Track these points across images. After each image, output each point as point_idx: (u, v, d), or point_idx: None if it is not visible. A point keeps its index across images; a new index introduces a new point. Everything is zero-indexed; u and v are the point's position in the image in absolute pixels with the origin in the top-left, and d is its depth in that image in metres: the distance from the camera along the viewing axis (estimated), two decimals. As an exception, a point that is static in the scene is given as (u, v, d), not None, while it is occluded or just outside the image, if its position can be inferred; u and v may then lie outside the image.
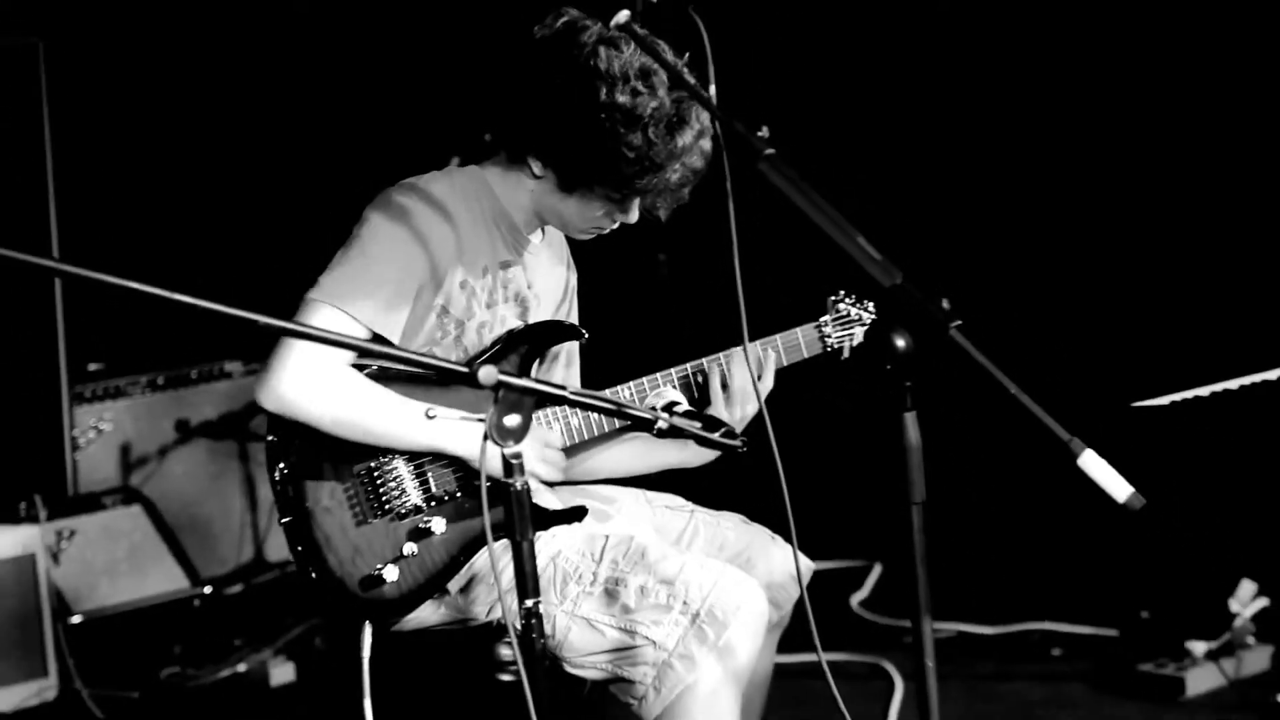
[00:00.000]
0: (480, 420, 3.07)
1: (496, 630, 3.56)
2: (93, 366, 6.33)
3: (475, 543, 3.54)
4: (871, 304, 3.84)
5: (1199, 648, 5.19)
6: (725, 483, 4.19)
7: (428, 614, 3.56)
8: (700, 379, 3.68)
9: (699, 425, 2.66)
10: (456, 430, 3.46)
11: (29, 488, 5.86)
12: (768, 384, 3.70)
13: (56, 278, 4.67)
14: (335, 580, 3.46)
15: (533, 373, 3.69)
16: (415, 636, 3.59)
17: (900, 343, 2.55)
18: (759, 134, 2.68)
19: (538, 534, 3.52)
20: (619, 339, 3.83)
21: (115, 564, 5.95)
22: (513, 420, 2.55)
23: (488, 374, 2.49)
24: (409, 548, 3.48)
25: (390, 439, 3.46)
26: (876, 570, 6.34)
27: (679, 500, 3.89)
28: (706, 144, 3.50)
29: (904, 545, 2.59)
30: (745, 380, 3.64)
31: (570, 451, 3.78)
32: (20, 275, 5.72)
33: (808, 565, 3.73)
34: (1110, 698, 5.19)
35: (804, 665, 4.74)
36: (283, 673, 5.79)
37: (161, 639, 5.93)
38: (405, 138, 6.34)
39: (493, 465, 2.58)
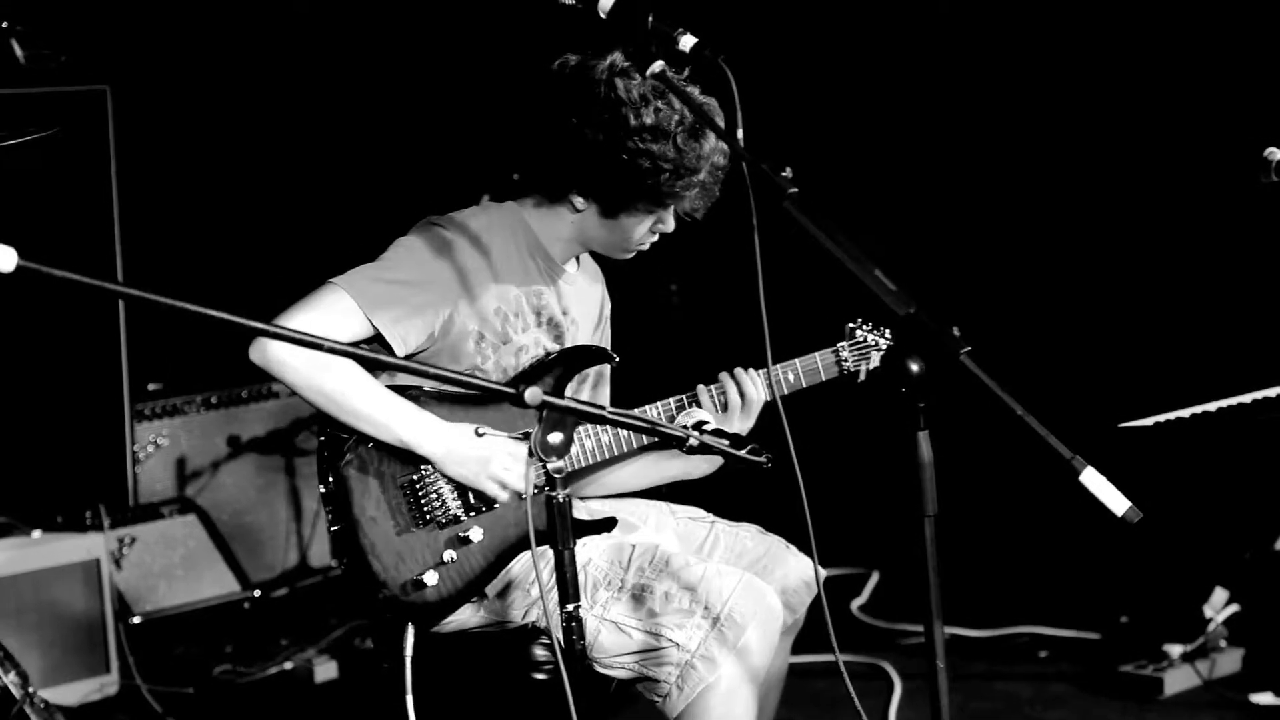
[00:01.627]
0: (518, 438, 3.07)
1: (531, 632, 3.52)
2: (152, 386, 6.29)
3: (511, 550, 3.50)
4: (888, 331, 3.80)
5: (1175, 650, 5.15)
6: (743, 495, 4.16)
7: (467, 616, 3.52)
8: (699, 402, 3.64)
9: (726, 443, 2.63)
10: (432, 434, 3.40)
11: (94, 498, 5.83)
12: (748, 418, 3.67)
13: (120, 299, 4.67)
14: (380, 584, 3.42)
15: (568, 393, 3.67)
16: (455, 637, 3.56)
17: (914, 367, 2.52)
18: (783, 174, 2.65)
19: (569, 543, 3.52)
20: (632, 365, 3.81)
21: (172, 569, 5.92)
22: (556, 438, 2.52)
23: (533, 394, 2.45)
24: (449, 554, 3.44)
25: (368, 422, 3.38)
26: (875, 577, 6.29)
27: (700, 512, 3.85)
28: (725, 145, 3.49)
29: (918, 555, 2.56)
30: (739, 400, 3.61)
31: (595, 469, 3.76)
32: (88, 303, 5.83)
33: (820, 572, 3.70)
34: (1094, 697, 5.15)
35: (813, 665, 4.75)
36: (326, 670, 5.75)
37: (214, 638, 5.91)
38: (443, 177, 6.32)
39: (513, 477, 2.51)
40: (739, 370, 3.63)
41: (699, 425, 3.15)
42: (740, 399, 3.60)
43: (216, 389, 6.35)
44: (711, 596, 3.41)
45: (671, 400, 3.62)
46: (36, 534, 5.60)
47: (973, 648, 5.64)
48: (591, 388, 3.86)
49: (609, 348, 3.81)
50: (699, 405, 3.60)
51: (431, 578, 3.42)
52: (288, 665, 5.79)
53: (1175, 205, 5.80)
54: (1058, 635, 5.65)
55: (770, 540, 3.76)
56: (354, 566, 3.44)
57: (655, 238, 3.64)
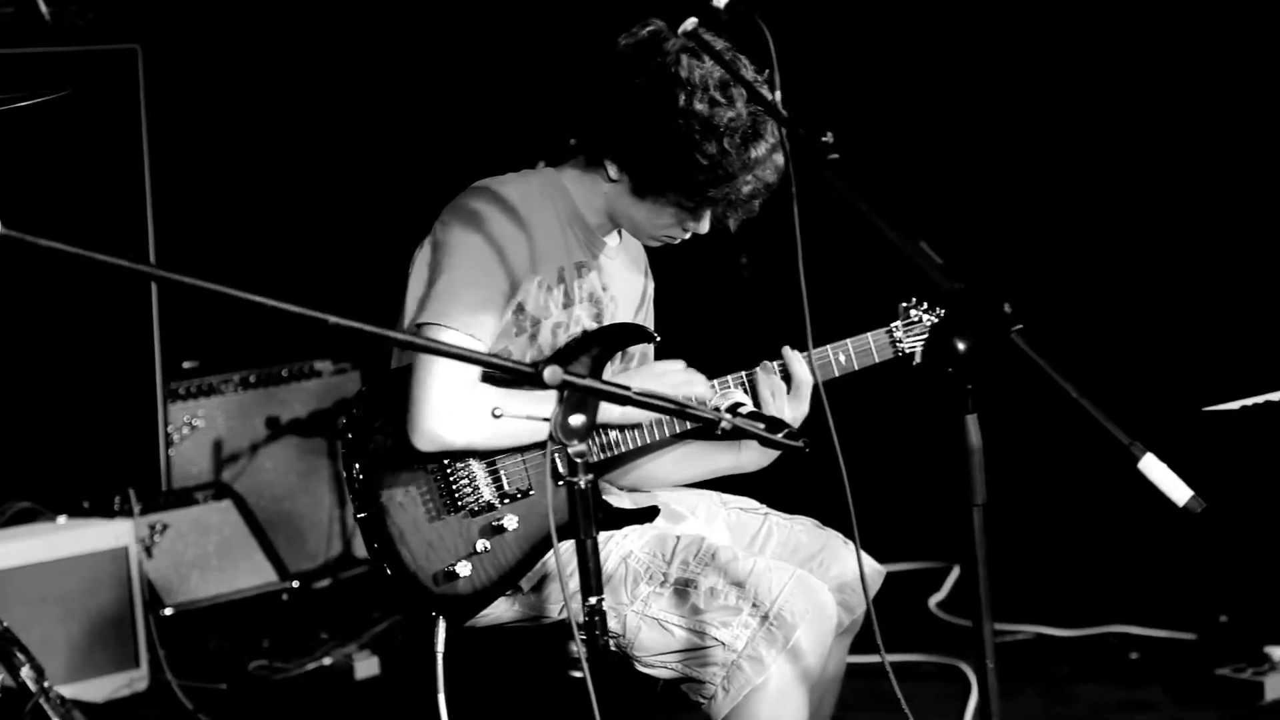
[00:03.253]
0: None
1: (569, 628, 3.56)
2: (187, 364, 6.39)
3: (548, 540, 3.54)
4: (944, 311, 3.81)
5: (1278, 653, 5.12)
6: (799, 487, 4.17)
7: (501, 611, 3.57)
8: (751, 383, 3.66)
9: (762, 426, 2.65)
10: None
11: (123, 482, 5.91)
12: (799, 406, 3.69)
13: (153, 283, 4.75)
14: (409, 575, 3.48)
15: (605, 373, 3.70)
16: (490, 632, 3.60)
17: (961, 346, 2.54)
18: (824, 139, 2.67)
19: (610, 533, 3.56)
20: (699, 340, 3.83)
21: (205, 558, 6.00)
22: (577, 420, 2.55)
23: (552, 374, 2.49)
24: (482, 544, 3.49)
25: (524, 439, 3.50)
26: (955, 572, 6.29)
27: (753, 503, 3.88)
28: (779, 158, 3.49)
29: (965, 547, 2.57)
30: (793, 384, 3.63)
31: (630, 457, 3.78)
32: (118, 276, 5.89)
33: (878, 570, 3.72)
34: (1187, 702, 5.13)
35: (878, 666, 4.75)
36: (367, 666, 5.82)
37: (250, 632, 5.98)
38: (498, 138, 6.35)
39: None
40: (787, 350, 3.64)
41: (734, 408, 3.18)
42: (786, 382, 3.62)
43: (255, 367, 6.44)
44: (760, 593, 3.44)
45: (729, 378, 3.64)
46: (62, 520, 5.70)
47: (1058, 648, 5.64)
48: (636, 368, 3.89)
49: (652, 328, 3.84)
50: (754, 385, 3.62)
51: (464, 568, 3.47)
52: (327, 661, 5.87)
53: (1262, 178, 5.77)
54: (1150, 635, 5.63)
55: (827, 535, 3.78)
56: (381, 556, 3.50)
57: (686, 235, 3.65)
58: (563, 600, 3.54)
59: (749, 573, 3.46)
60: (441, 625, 3.52)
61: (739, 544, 3.73)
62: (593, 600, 2.63)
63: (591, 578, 2.62)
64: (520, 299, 3.54)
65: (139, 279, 5.44)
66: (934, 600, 6.14)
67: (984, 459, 2.58)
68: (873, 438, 5.58)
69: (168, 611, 5.77)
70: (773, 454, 3.75)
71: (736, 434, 2.68)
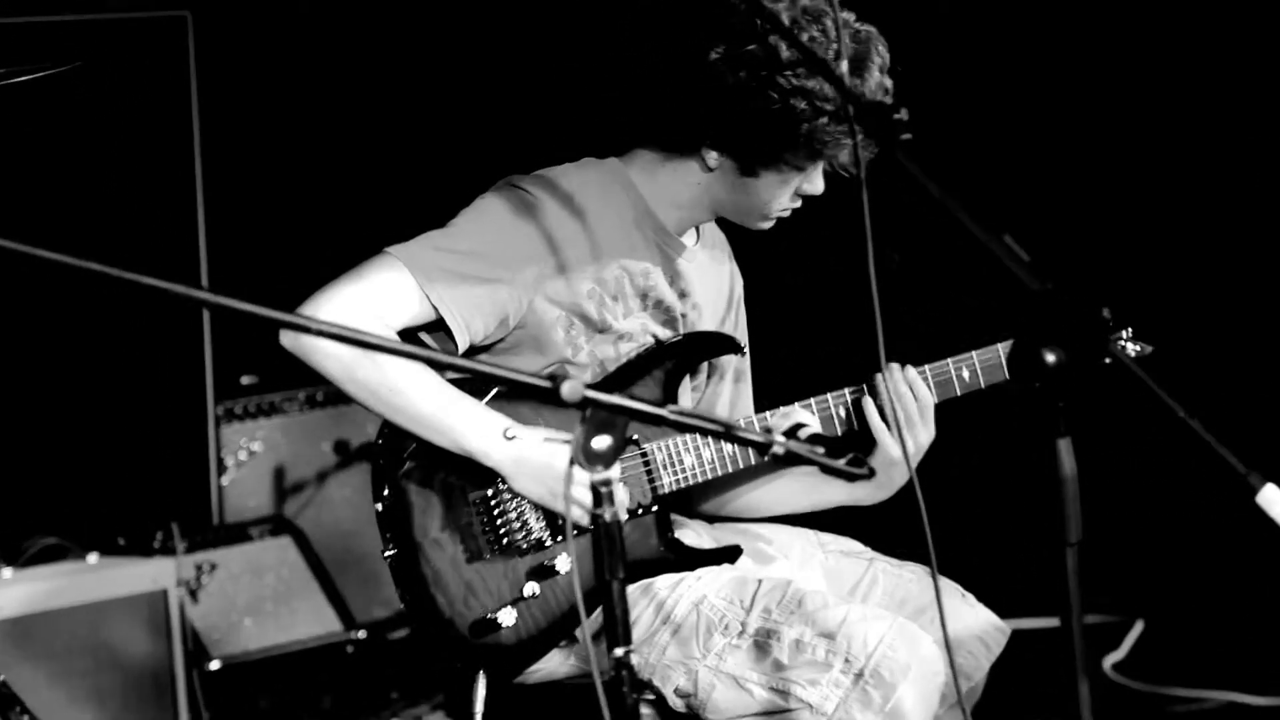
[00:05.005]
0: (562, 441, 3.13)
1: (636, 683, 3.58)
2: (245, 380, 6.46)
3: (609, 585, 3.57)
4: (1030, 316, 3.80)
5: None
6: (910, 528, 4.17)
7: (555, 664, 3.60)
8: (850, 409, 3.67)
9: (822, 450, 2.66)
10: (500, 440, 3.46)
11: (167, 516, 5.99)
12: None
13: (204, 309, 4.82)
14: (444, 623, 3.53)
15: (683, 390, 3.73)
16: (542, 689, 3.63)
17: (1050, 358, 2.53)
18: (897, 115, 2.68)
19: (680, 576, 3.58)
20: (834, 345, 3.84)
21: (260, 602, 6.08)
22: (602, 442, 2.57)
23: (572, 389, 2.51)
24: (530, 588, 3.53)
25: (424, 424, 3.47)
26: (1138, 627, 6.24)
27: (857, 545, 3.90)
28: (889, 80, 3.54)
29: (1060, 592, 2.57)
30: (908, 407, 3.63)
31: (721, 485, 3.81)
32: (165, 273, 6.02)
33: (998, 627, 3.71)
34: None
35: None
36: (441, 729, 5.88)
37: (309, 689, 6.05)
38: (545, 133, 6.40)
39: (578, 492, 2.59)
40: (894, 367, 3.65)
41: (795, 430, 3.18)
42: (899, 403, 3.63)
43: (322, 383, 6.46)
44: (854, 645, 3.45)
45: (847, 391, 3.65)
46: (93, 558, 5.78)
47: (1255, 718, 5.58)
48: (733, 384, 3.93)
49: (741, 336, 3.86)
50: (861, 408, 3.64)
51: (508, 616, 3.52)
52: (396, 723, 5.92)
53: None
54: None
55: (941, 586, 3.76)
56: (414, 601, 3.55)
57: (799, 203, 3.67)
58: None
59: (841, 622, 3.47)
60: (481, 682, 3.57)
61: (838, 592, 3.75)
62: (619, 652, 2.65)
63: (619, 626, 2.64)
64: (570, 310, 3.58)
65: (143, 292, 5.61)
66: (1110, 661, 6.10)
67: (1079, 490, 2.56)
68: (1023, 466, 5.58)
69: (214, 665, 5.84)
70: (893, 487, 3.75)
71: (791, 459, 2.69)
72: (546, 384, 2.54)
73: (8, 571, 5.63)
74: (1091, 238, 6.22)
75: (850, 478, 2.68)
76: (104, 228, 6.05)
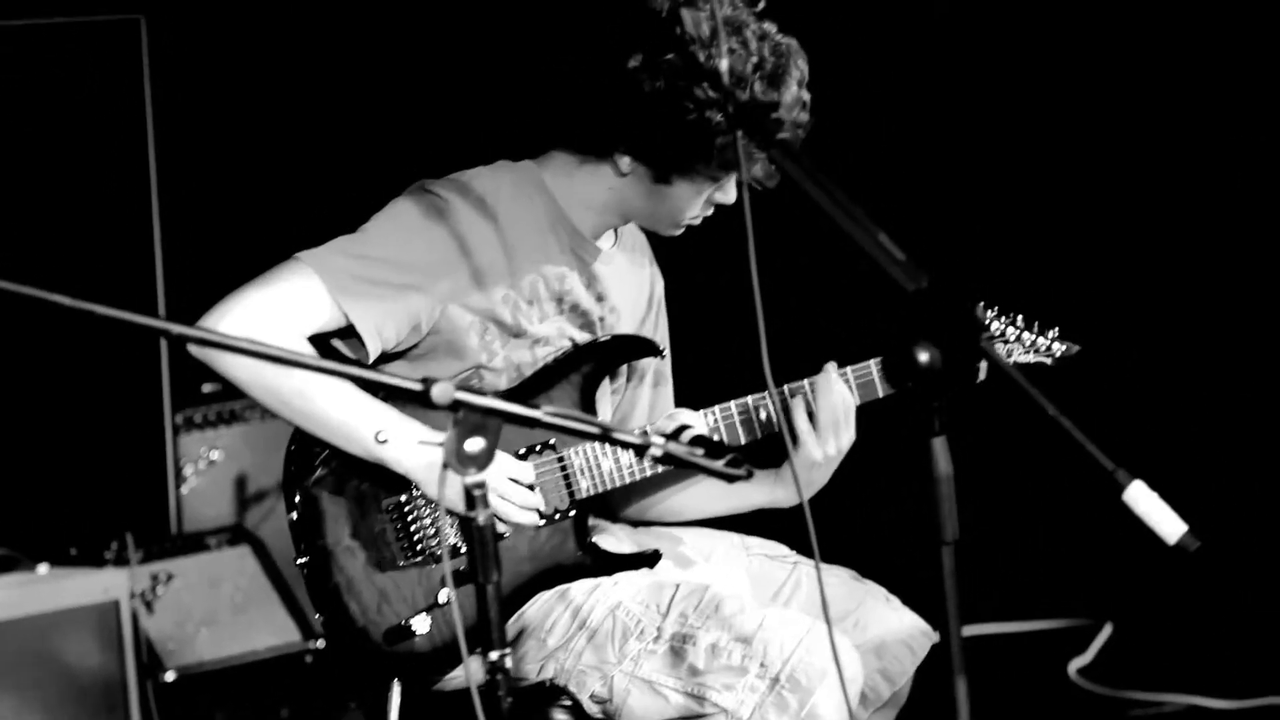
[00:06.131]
0: (436, 444, 3.15)
1: (549, 691, 3.62)
2: (207, 388, 6.44)
3: (524, 590, 3.60)
4: (1020, 317, 3.83)
5: None
6: (838, 529, 4.20)
7: (473, 671, 3.62)
8: (768, 413, 3.68)
9: (701, 452, 2.69)
10: (411, 445, 3.49)
11: (123, 526, 6.00)
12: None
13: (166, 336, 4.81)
14: (357, 630, 3.56)
15: (602, 393, 3.76)
16: (458, 696, 3.66)
17: (924, 357, 2.55)
18: (773, 117, 2.71)
19: (596, 581, 3.61)
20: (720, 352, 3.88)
21: (217, 613, 6.07)
22: (475, 445, 2.60)
23: (442, 391, 2.54)
24: (444, 595, 3.55)
25: (333, 430, 3.51)
26: (1105, 631, 6.26)
27: (782, 548, 3.92)
28: (807, 94, 3.56)
29: (935, 592, 2.59)
30: (834, 408, 3.65)
31: (642, 489, 3.84)
32: (117, 273, 6.05)
33: (921, 630, 3.74)
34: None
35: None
36: (401, 742, 5.87)
37: (268, 699, 6.05)
38: (460, 135, 6.42)
39: (451, 495, 2.62)
40: (830, 367, 3.68)
41: (679, 432, 3.22)
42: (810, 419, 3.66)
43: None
44: (771, 650, 3.47)
45: (768, 393, 3.66)
46: (43, 569, 5.77)
47: (1217, 721, 5.62)
48: (651, 388, 3.96)
49: (662, 338, 3.89)
50: (788, 410, 3.66)
51: (421, 623, 3.55)
52: (354, 735, 5.92)
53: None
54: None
55: (866, 589, 3.82)
56: (327, 609, 3.58)
57: (710, 211, 3.70)
58: (541, 659, 3.60)
59: (758, 626, 3.50)
60: (396, 690, 3.60)
61: (761, 596, 3.77)
62: (494, 656, 2.68)
63: (494, 630, 2.66)
64: (483, 315, 3.61)
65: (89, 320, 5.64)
66: (1075, 665, 6.11)
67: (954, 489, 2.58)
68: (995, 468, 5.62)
69: (169, 676, 5.84)
70: (814, 488, 3.77)
71: (669, 460, 2.72)
72: (417, 387, 2.56)
73: (-45, 583, 5.65)
74: (1029, 240, 6.26)
75: (729, 479, 2.70)
76: (57, 234, 6.09)
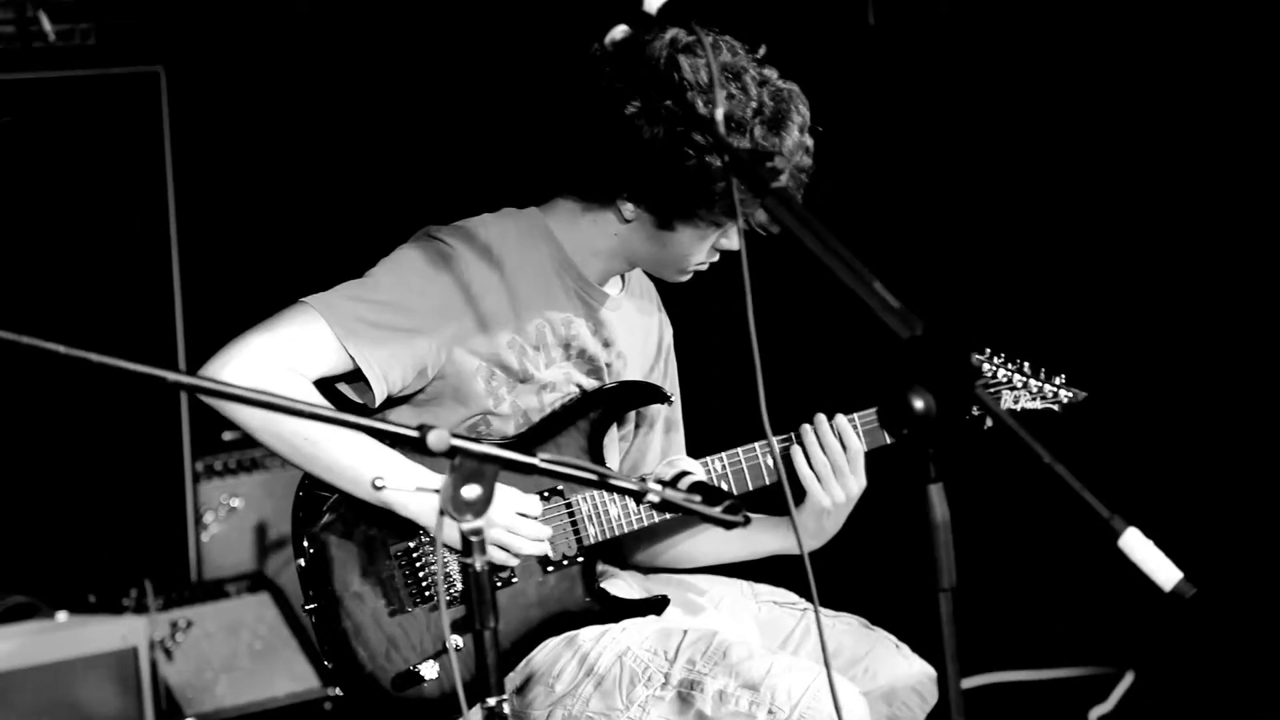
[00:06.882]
0: (433, 490, 3.18)
1: (560, 736, 3.64)
2: (227, 436, 6.49)
3: (533, 635, 3.63)
4: (1027, 364, 3.86)
5: None
6: (849, 577, 4.22)
7: (478, 717, 3.64)
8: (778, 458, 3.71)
9: (699, 499, 2.71)
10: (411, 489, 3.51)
11: (142, 573, 6.04)
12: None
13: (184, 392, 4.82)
14: (366, 676, 3.59)
15: (609, 440, 3.78)
16: (469, 743, 3.68)
17: (919, 404, 2.57)
18: (768, 164, 2.74)
19: (604, 627, 3.63)
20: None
21: (236, 660, 6.12)
22: (472, 491, 2.62)
23: (438, 438, 2.57)
24: (453, 640, 3.57)
25: (342, 476, 3.51)
26: (1127, 680, 6.25)
27: (791, 595, 3.94)
28: (809, 139, 3.60)
29: (933, 639, 2.60)
30: (835, 455, 3.68)
31: (652, 535, 3.86)
32: (140, 324, 6.09)
33: (926, 675, 3.75)
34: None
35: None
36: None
37: (286, 748, 6.10)
38: (466, 181, 6.46)
39: (449, 536, 2.63)
40: (821, 417, 3.70)
41: (678, 478, 3.24)
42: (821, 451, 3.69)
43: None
44: (778, 697, 3.49)
45: (774, 441, 3.68)
46: (61, 616, 5.82)
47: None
48: (663, 434, 3.98)
49: (671, 385, 3.91)
50: (789, 459, 3.69)
51: (430, 670, 3.56)
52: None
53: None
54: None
55: (875, 636, 3.83)
56: (336, 655, 3.60)
57: (716, 257, 3.73)
58: (549, 706, 3.61)
59: (765, 673, 3.51)
60: (405, 736, 3.62)
61: (770, 643, 3.79)
62: (491, 702, 2.70)
63: (490, 675, 2.68)
64: (489, 361, 3.63)
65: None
66: (1096, 714, 6.10)
67: (952, 536, 2.60)
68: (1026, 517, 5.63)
69: (188, 723, 5.89)
70: (825, 536, 3.80)
71: (666, 507, 2.75)
72: (414, 433, 2.59)
73: (-26, 630, 5.69)
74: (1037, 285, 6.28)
75: (726, 525, 2.72)
76: (78, 283, 6.14)
